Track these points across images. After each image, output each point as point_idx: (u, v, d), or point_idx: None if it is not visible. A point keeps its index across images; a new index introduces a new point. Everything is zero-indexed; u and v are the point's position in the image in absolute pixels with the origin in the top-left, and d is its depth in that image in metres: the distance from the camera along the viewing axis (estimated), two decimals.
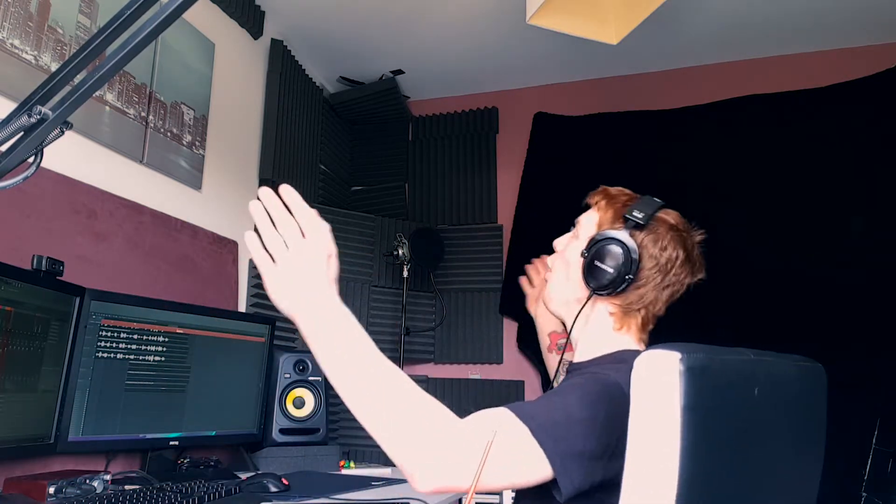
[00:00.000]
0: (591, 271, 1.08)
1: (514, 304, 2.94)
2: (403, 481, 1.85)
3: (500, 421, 0.84)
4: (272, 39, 2.59)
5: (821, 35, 2.62)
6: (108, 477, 1.44)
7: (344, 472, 2.10)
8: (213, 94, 2.22)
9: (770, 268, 2.51)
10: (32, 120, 0.66)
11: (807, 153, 2.58)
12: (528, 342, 2.85)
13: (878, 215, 2.41)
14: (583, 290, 1.10)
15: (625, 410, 0.88)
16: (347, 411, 2.92)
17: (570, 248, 1.16)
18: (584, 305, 1.10)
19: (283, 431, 2.05)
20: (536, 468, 0.83)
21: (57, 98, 0.69)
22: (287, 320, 2.36)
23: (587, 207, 1.19)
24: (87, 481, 1.38)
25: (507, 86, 3.16)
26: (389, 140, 3.27)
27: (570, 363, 1.17)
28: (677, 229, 1.10)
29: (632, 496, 0.67)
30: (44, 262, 1.36)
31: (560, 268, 1.17)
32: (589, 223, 1.16)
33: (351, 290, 2.79)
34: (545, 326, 1.58)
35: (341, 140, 3.19)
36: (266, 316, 2.24)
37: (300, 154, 2.72)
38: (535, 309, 1.58)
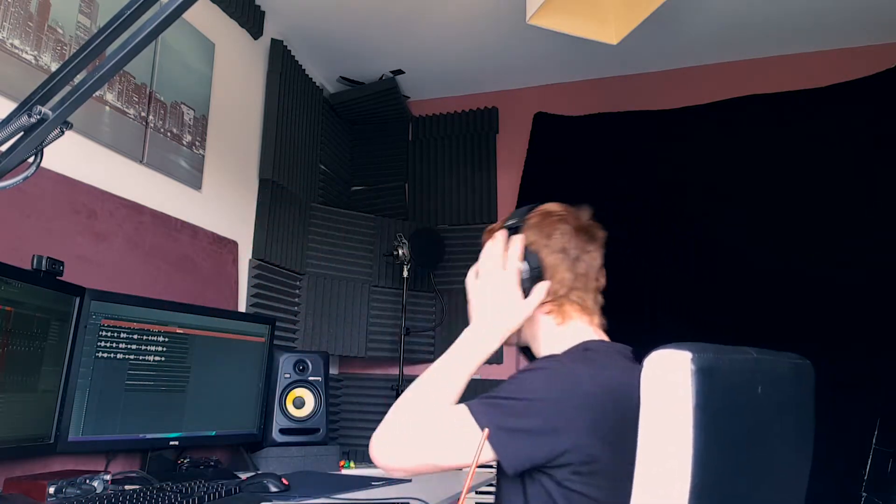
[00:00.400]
0: None
1: None
2: (404, 481, 1.85)
3: (454, 410, 0.96)
4: (272, 39, 2.59)
5: (821, 35, 2.62)
6: (108, 477, 1.44)
7: (344, 472, 2.10)
8: (213, 94, 2.22)
9: (770, 268, 2.52)
10: (32, 120, 0.66)
11: (807, 153, 2.58)
12: None
13: (878, 215, 2.41)
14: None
15: (579, 394, 0.94)
16: (347, 411, 2.91)
17: None
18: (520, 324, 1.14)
19: (283, 431, 2.05)
20: (476, 445, 0.90)
21: (57, 98, 0.69)
22: (286, 321, 2.37)
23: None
24: (87, 481, 1.38)
25: (507, 86, 3.16)
26: (389, 140, 3.27)
27: None
28: (554, 213, 1.17)
29: (643, 495, 0.68)
30: (44, 262, 1.36)
31: None
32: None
33: (351, 289, 2.79)
34: None
35: (341, 140, 3.19)
36: (266, 316, 2.24)
37: (300, 154, 2.72)
38: None
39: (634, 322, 2.61)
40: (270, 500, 1.51)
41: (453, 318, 3.00)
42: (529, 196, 2.99)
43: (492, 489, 2.56)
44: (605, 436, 0.93)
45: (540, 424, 0.92)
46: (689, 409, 0.65)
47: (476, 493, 2.54)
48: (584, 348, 1.07)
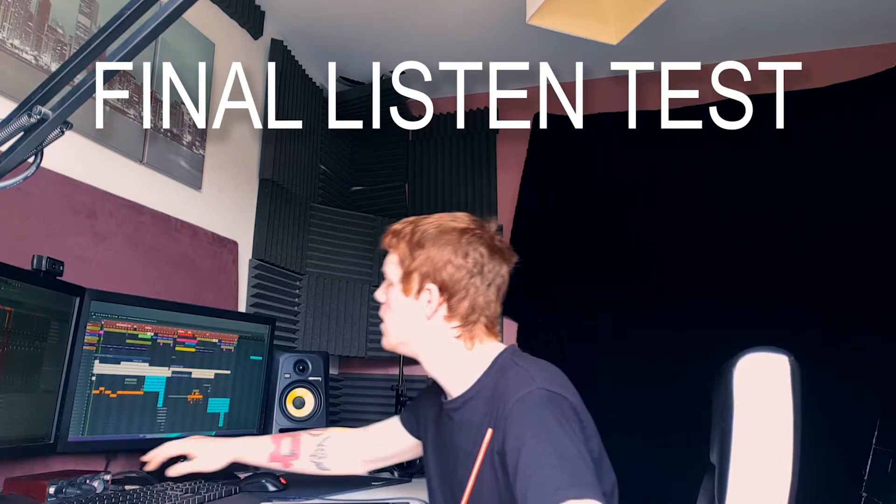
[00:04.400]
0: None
1: (515, 304, 2.94)
2: (403, 481, 1.85)
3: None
4: (272, 39, 2.59)
5: (821, 35, 2.62)
6: (108, 477, 1.44)
7: None
8: (213, 94, 2.22)
9: (771, 266, 2.52)
10: (32, 120, 0.66)
11: (806, 153, 2.58)
12: (528, 342, 2.85)
13: (878, 216, 2.41)
14: (417, 323, 1.15)
15: (571, 405, 0.98)
16: (347, 411, 2.91)
17: (390, 296, 1.20)
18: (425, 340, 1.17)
19: (283, 431, 2.05)
20: None
21: (57, 98, 0.69)
22: (287, 320, 2.38)
23: (384, 255, 1.24)
24: (87, 481, 1.38)
25: (507, 86, 3.15)
26: (389, 140, 3.27)
27: (446, 401, 1.19)
28: (470, 230, 1.15)
29: (743, 494, 0.70)
30: (44, 262, 1.36)
31: (390, 315, 1.20)
32: (392, 266, 1.21)
33: (351, 289, 2.79)
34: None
35: (341, 140, 3.18)
36: (266, 316, 2.24)
37: (300, 154, 2.72)
38: None
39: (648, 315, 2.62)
40: (269, 500, 1.51)
41: None
42: (529, 196, 2.99)
43: None
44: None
45: (584, 450, 0.94)
46: (789, 410, 0.69)
47: None
48: (502, 369, 1.09)
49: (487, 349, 1.14)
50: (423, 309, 1.13)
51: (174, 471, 1.45)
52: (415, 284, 1.14)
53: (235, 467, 1.97)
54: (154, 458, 1.47)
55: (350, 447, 1.48)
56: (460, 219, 1.17)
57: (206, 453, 1.47)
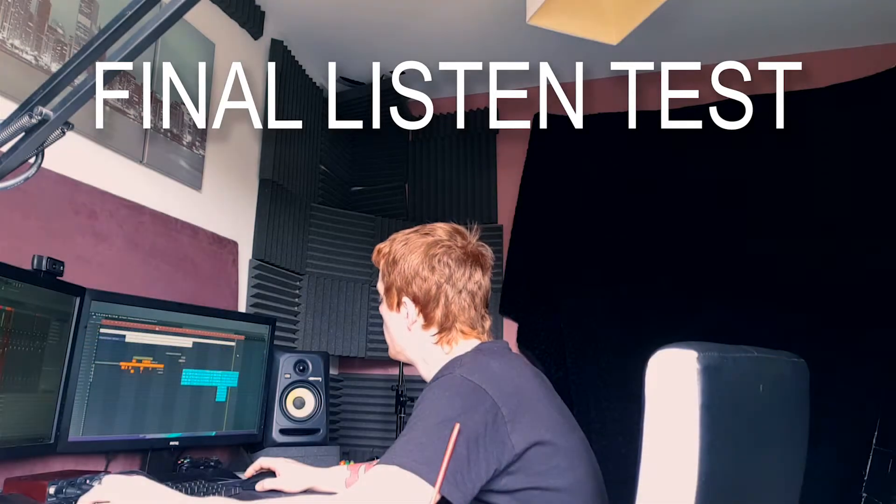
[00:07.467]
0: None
1: (514, 304, 2.94)
2: None
3: (377, 477, 0.90)
4: (272, 39, 2.59)
5: (821, 35, 2.62)
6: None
7: None
8: (213, 94, 2.22)
9: (768, 265, 2.52)
10: (34, 121, 0.66)
11: (806, 153, 2.58)
12: (528, 342, 2.85)
13: (879, 216, 2.41)
14: (404, 334, 1.23)
15: (479, 401, 0.95)
16: (347, 411, 2.90)
17: (381, 311, 1.30)
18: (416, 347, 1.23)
19: (283, 431, 2.05)
20: (428, 496, 0.87)
21: (58, 99, 0.69)
22: (287, 320, 2.38)
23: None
24: (88, 481, 1.38)
25: (507, 86, 3.15)
26: (389, 140, 3.27)
27: None
28: (438, 243, 1.19)
29: (650, 495, 0.68)
30: (44, 262, 1.36)
31: (385, 328, 1.30)
32: (379, 282, 1.29)
33: (351, 289, 2.79)
34: None
35: (341, 140, 3.18)
36: (266, 316, 2.24)
37: (300, 154, 2.72)
38: None
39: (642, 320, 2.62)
40: (269, 500, 1.51)
41: None
42: (529, 196, 2.99)
43: None
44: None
45: (476, 440, 0.93)
46: (696, 409, 0.65)
47: None
48: (453, 365, 1.10)
49: (460, 349, 1.17)
50: (404, 321, 1.21)
51: (261, 486, 1.54)
52: (394, 299, 1.22)
53: (236, 467, 1.97)
54: (251, 468, 1.58)
55: None
56: (435, 231, 1.22)
57: (291, 473, 1.54)
